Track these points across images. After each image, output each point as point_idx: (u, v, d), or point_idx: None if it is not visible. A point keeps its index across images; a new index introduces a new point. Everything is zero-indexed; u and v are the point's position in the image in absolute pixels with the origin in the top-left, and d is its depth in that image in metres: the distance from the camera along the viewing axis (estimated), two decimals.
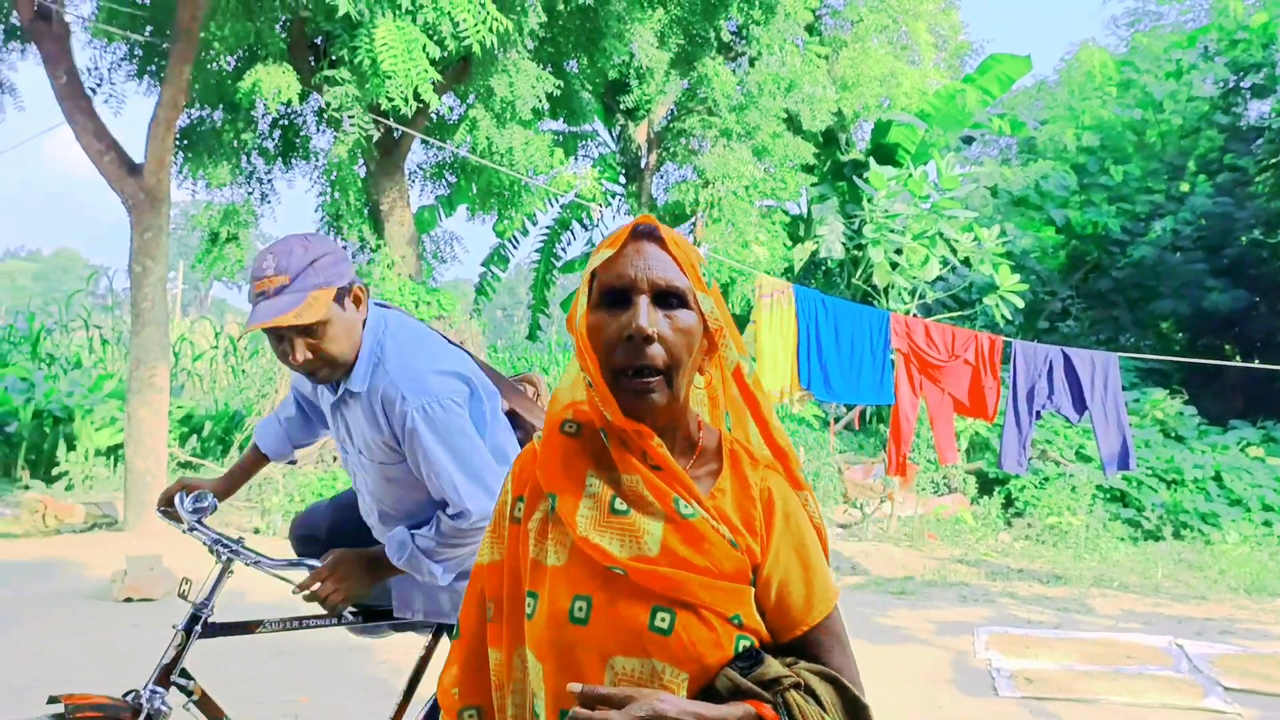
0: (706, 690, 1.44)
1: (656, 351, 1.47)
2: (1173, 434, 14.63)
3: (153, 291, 9.65)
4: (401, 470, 2.63)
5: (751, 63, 15.84)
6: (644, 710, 1.34)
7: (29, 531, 9.94)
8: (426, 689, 3.03)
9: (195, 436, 14.80)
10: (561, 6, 11.82)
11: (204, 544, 2.92)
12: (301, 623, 2.99)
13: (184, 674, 2.84)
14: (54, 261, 74.50)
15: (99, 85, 11.52)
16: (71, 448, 13.20)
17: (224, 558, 2.89)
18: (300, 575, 2.78)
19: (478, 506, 2.56)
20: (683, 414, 1.56)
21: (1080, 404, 8.37)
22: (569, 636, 1.47)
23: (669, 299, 1.50)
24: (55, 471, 13.00)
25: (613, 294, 1.50)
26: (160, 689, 2.79)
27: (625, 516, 1.50)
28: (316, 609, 2.89)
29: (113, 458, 13.72)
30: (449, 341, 2.79)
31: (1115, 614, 8.30)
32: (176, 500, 3.03)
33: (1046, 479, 12.30)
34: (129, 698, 2.76)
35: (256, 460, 3.19)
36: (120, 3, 10.28)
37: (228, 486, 3.19)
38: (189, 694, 2.87)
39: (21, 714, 3.13)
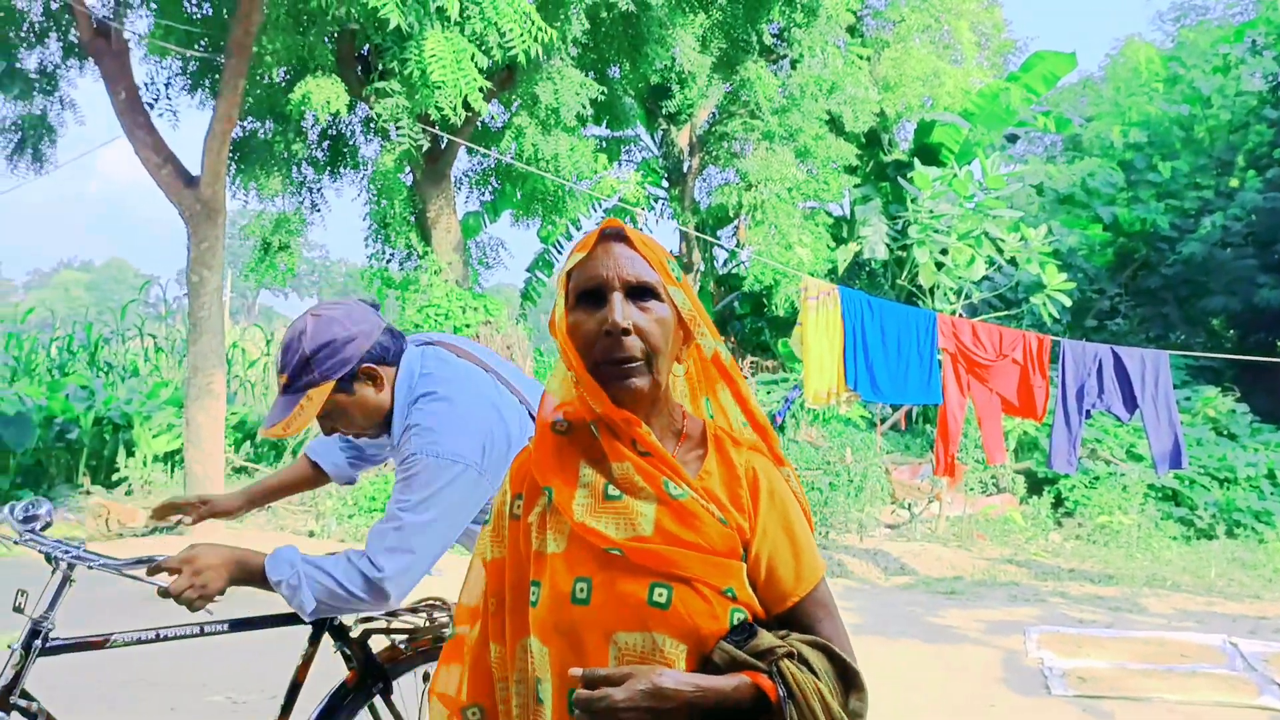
0: (704, 663, 1.52)
1: (634, 343, 1.56)
2: (1225, 432, 14.46)
3: (209, 301, 9.86)
4: None
5: (793, 65, 15.87)
6: (644, 685, 1.42)
7: (93, 535, 10.20)
8: (312, 689, 2.92)
9: (249, 442, 15.06)
10: (604, 14, 11.93)
11: (40, 553, 2.71)
12: (158, 635, 2.76)
13: (24, 695, 2.64)
14: (105, 271, 75.75)
15: (156, 100, 11.82)
16: (130, 454, 13.49)
17: (63, 565, 2.68)
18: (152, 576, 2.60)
19: (395, 585, 2.51)
20: (666, 403, 1.66)
21: (1131, 402, 8.34)
22: (572, 616, 1.55)
23: (641, 293, 1.60)
24: (115, 477, 13.30)
25: (588, 294, 1.60)
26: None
27: (619, 501, 1.58)
28: (177, 617, 2.70)
29: (169, 463, 14.01)
30: (492, 373, 2.77)
31: (1168, 613, 8.26)
32: (5, 511, 2.82)
33: (1097, 478, 12.22)
34: None
35: (305, 478, 3.12)
36: (176, 20, 10.52)
37: (244, 503, 3.14)
38: (30, 716, 2.65)
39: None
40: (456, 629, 1.73)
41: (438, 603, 3.11)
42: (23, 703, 2.62)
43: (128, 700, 5.37)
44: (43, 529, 2.78)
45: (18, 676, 2.59)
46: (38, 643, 2.62)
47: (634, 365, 1.57)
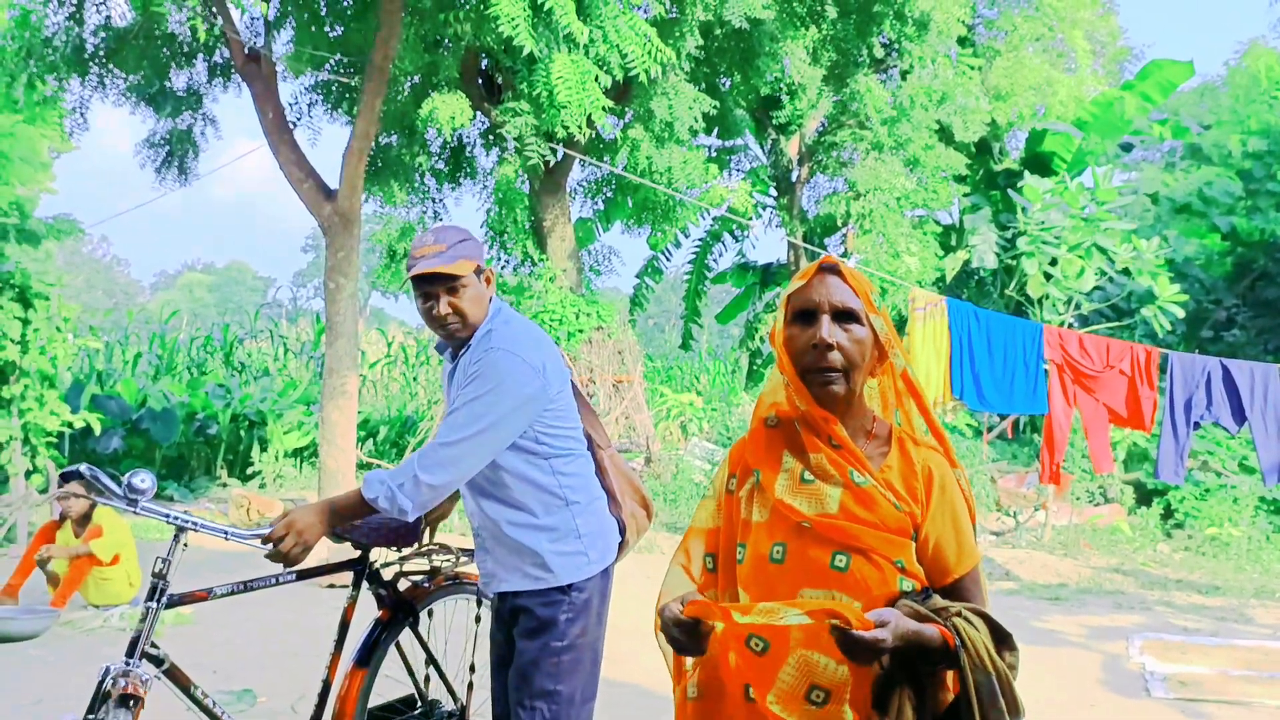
0: None
1: (836, 357, 1.96)
2: None
3: (344, 306, 10.48)
4: None
5: (903, 76, 15.96)
6: (902, 629, 1.79)
7: (235, 525, 10.91)
8: (355, 634, 3.56)
9: (371, 440, 15.80)
10: (717, 30, 12.30)
11: (161, 520, 3.17)
12: (247, 585, 3.31)
13: (153, 644, 3.08)
14: (227, 274, 78.31)
15: (299, 119, 12.59)
16: (264, 449, 14.30)
17: (183, 535, 3.18)
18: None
19: (447, 451, 2.94)
20: (859, 408, 2.05)
21: (1239, 415, 8.39)
22: (770, 574, 1.98)
23: (845, 317, 1.99)
24: (250, 471, 14.12)
25: (803, 314, 2.02)
26: (134, 661, 3.01)
27: (812, 485, 2.00)
28: (262, 571, 3.31)
29: (299, 458, 14.80)
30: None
31: (1275, 623, 8.28)
32: (103, 479, 3.17)
33: (1208, 490, 12.14)
34: (103, 674, 3.01)
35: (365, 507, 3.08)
36: (316, 42, 11.22)
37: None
38: (159, 663, 3.11)
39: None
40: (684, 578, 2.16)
41: (437, 547, 3.80)
42: (153, 651, 3.10)
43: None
44: (150, 501, 3.21)
45: (147, 630, 3.07)
46: (164, 599, 3.11)
47: (834, 375, 1.96)
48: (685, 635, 1.91)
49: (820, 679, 1.89)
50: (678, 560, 2.17)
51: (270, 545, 2.99)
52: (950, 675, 1.92)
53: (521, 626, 3.09)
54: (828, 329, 1.96)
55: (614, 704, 5.35)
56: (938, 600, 1.93)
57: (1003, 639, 1.92)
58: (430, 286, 2.98)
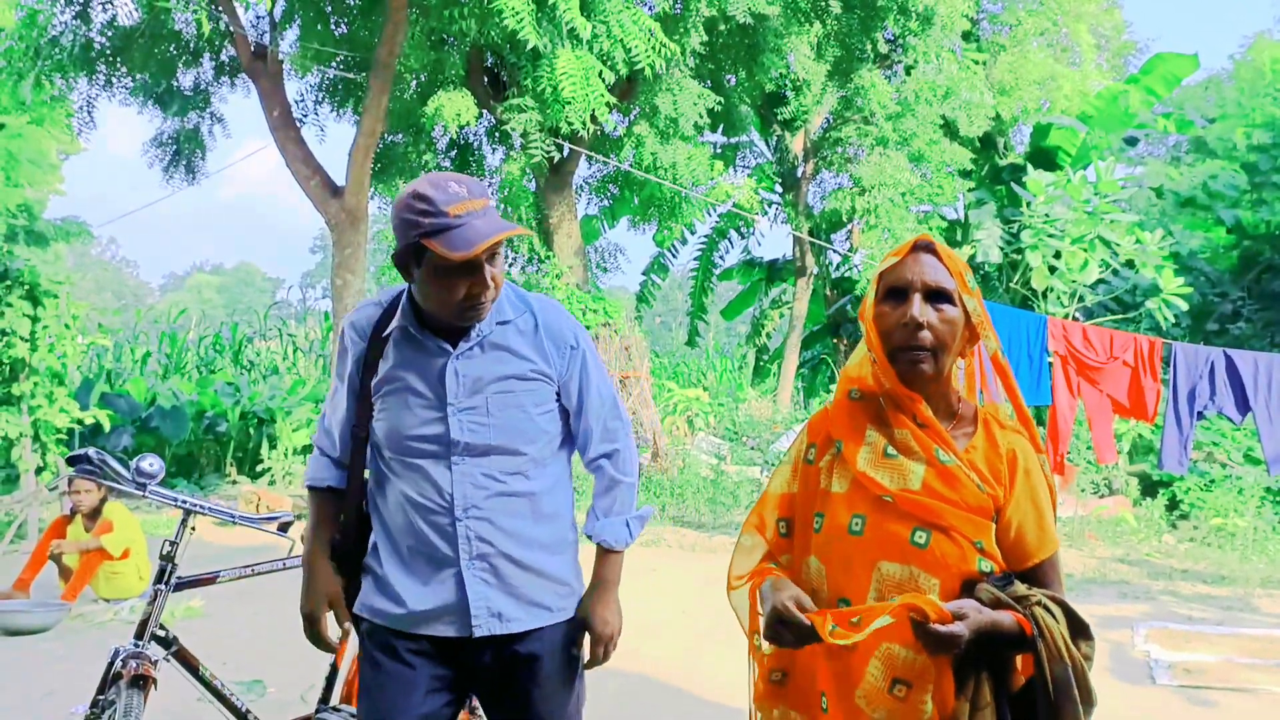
0: (960, 596, 1.90)
1: (925, 336, 1.93)
2: None
3: (351, 302, 10.56)
4: (541, 396, 2.44)
5: (908, 71, 16.00)
6: (977, 622, 1.80)
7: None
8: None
9: None
10: (721, 26, 12.35)
11: (169, 504, 3.17)
12: (253, 569, 3.32)
13: (161, 626, 3.11)
14: (235, 275, 78.44)
15: (305, 117, 12.66)
16: (273, 446, 14.37)
17: (187, 514, 3.20)
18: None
19: (628, 440, 2.58)
20: (946, 387, 2.03)
21: (1243, 404, 8.39)
22: (847, 544, 1.96)
23: (937, 296, 1.96)
24: (259, 468, 14.19)
25: (894, 291, 1.98)
26: (143, 643, 3.05)
27: (895, 460, 1.97)
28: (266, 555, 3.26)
29: (307, 455, 14.84)
30: None
31: None
32: (111, 463, 3.21)
33: (1213, 481, 12.14)
34: (112, 655, 3.02)
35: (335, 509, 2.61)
36: (322, 40, 11.28)
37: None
38: (168, 645, 3.14)
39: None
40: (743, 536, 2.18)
41: None
42: (160, 632, 3.14)
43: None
44: (158, 485, 3.24)
45: (156, 612, 3.11)
46: (165, 583, 3.15)
47: (922, 354, 1.94)
48: (792, 633, 1.90)
49: (901, 671, 1.88)
50: (751, 524, 2.16)
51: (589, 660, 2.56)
52: (1021, 657, 1.91)
53: (531, 674, 2.46)
54: (919, 308, 1.93)
55: (621, 694, 5.40)
56: (1019, 587, 1.91)
57: (1080, 629, 1.92)
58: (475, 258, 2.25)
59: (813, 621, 1.86)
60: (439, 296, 2.29)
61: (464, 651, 2.42)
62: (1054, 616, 1.88)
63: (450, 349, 2.37)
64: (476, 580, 2.38)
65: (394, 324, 2.40)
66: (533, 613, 2.42)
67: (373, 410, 2.42)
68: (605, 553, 2.54)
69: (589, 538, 2.56)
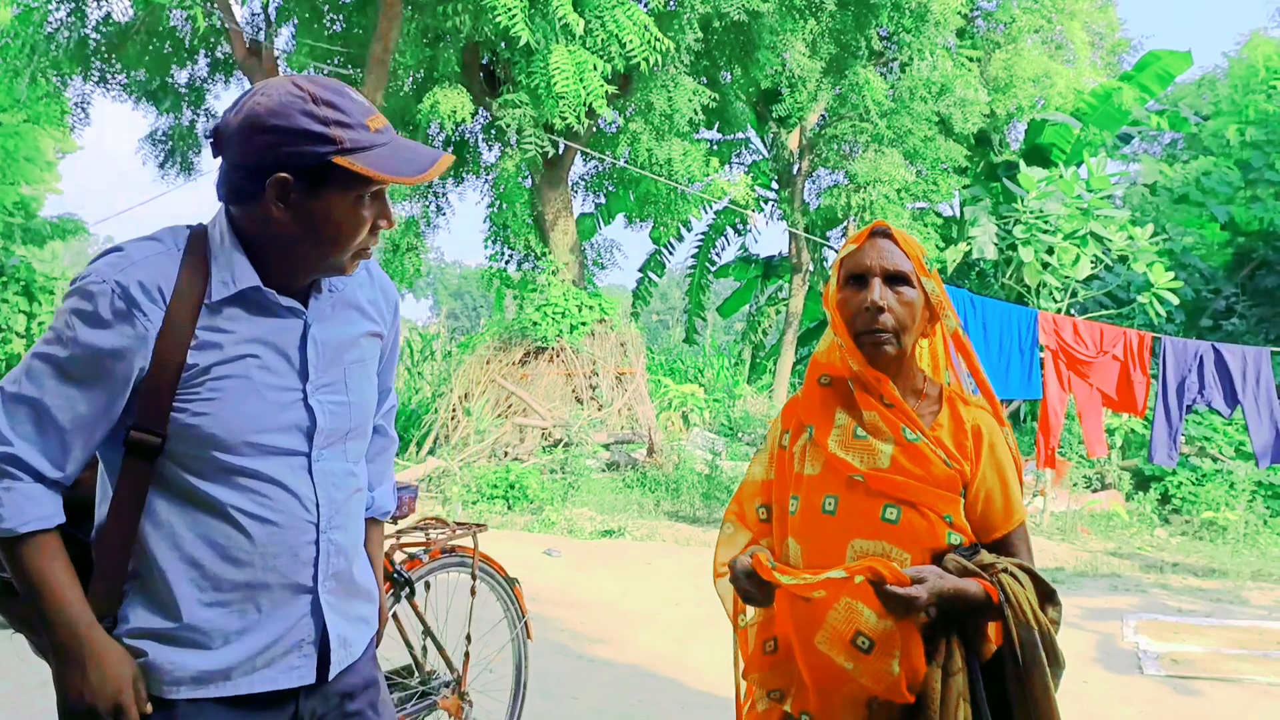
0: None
1: (886, 319, 2.02)
2: None
3: None
4: (375, 360, 1.98)
5: (902, 68, 16.06)
6: (937, 586, 1.88)
7: None
8: None
9: None
10: (716, 23, 12.40)
11: None
12: None
13: None
14: None
15: None
16: None
17: None
18: None
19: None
20: (910, 367, 2.13)
21: (1232, 398, 8.44)
22: (822, 524, 2.05)
23: (896, 280, 2.05)
24: None
25: (855, 277, 2.10)
26: None
27: (865, 440, 2.06)
28: None
29: None
30: None
31: (1270, 605, 8.35)
32: None
33: (1204, 475, 12.21)
34: None
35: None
36: (316, 38, 11.32)
37: None
38: None
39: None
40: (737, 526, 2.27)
41: (433, 521, 3.91)
42: None
43: None
44: None
45: None
46: None
47: (884, 335, 2.04)
48: (756, 587, 2.00)
49: (865, 628, 1.95)
50: (732, 511, 2.26)
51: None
52: (993, 627, 1.99)
53: (372, 705, 1.98)
54: (879, 292, 2.02)
55: (613, 684, 5.44)
56: (985, 556, 1.99)
57: (1047, 595, 1.98)
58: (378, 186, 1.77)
59: (768, 572, 1.94)
60: (334, 235, 1.74)
61: (290, 704, 1.85)
62: (1020, 583, 1.95)
63: (302, 309, 1.82)
64: (329, 606, 1.86)
65: (224, 282, 1.74)
66: (360, 630, 1.95)
67: (170, 406, 1.71)
68: (377, 525, 2.15)
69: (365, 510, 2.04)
